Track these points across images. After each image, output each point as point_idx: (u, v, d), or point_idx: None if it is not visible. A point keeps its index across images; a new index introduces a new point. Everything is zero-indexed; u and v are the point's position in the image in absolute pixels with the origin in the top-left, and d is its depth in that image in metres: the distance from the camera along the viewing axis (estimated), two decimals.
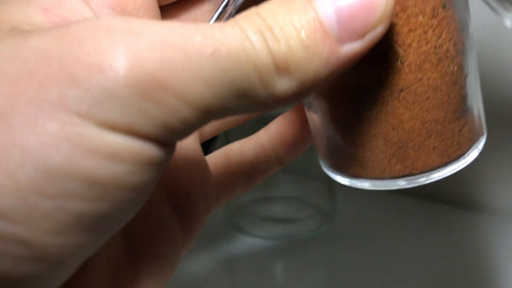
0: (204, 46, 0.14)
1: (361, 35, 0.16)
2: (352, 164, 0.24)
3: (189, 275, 0.42)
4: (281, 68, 0.15)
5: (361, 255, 0.45)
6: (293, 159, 0.28)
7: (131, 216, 0.16)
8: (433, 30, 0.21)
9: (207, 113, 0.15)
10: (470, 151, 0.24)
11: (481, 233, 0.48)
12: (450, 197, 0.56)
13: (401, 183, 0.23)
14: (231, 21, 0.15)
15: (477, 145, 0.24)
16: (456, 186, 0.55)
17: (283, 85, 0.16)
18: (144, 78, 0.14)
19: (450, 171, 0.23)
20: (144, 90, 0.14)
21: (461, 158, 0.23)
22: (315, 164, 0.54)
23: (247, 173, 0.26)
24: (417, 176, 0.23)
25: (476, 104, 0.24)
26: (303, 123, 0.27)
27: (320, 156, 0.26)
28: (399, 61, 0.21)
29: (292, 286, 0.41)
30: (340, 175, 0.25)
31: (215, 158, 0.26)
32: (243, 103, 0.16)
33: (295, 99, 0.16)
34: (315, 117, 0.24)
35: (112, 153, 0.14)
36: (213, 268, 0.43)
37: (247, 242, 0.47)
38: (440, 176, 0.23)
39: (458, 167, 0.23)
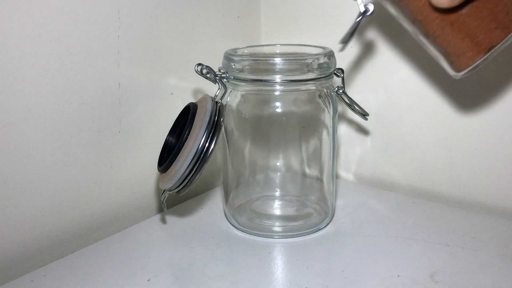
0: None
1: None
2: (492, 31, 0.36)
3: (189, 273, 0.43)
4: None
5: (360, 254, 0.45)
6: None
7: None
8: None
9: None
10: None
11: (480, 232, 0.48)
12: (450, 196, 0.56)
13: None
14: None
15: None
16: (457, 186, 0.56)
17: None
18: None
19: None
20: None
21: None
22: (315, 164, 0.54)
23: None
24: None
25: None
26: None
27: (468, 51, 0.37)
28: None
29: (292, 284, 0.41)
30: (484, 51, 0.37)
31: None
32: None
33: None
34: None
35: None
36: (213, 266, 0.43)
37: (247, 240, 0.48)
38: None
39: None
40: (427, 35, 0.38)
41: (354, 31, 0.39)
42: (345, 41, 0.39)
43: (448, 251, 0.45)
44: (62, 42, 0.44)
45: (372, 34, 0.56)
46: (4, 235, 0.43)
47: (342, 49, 0.40)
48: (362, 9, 0.37)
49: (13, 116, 0.42)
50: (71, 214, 0.48)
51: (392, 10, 0.39)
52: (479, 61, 0.37)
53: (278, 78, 0.45)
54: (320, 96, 0.48)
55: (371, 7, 0.38)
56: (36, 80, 0.43)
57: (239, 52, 0.50)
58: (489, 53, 0.36)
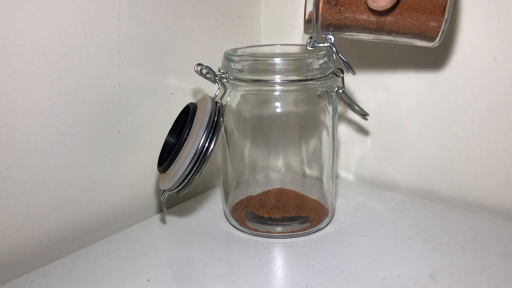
0: None
1: None
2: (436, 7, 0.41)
3: (189, 273, 0.43)
4: None
5: (360, 254, 0.45)
6: None
7: None
8: None
9: None
10: None
11: (480, 232, 0.48)
12: (450, 196, 0.56)
13: None
14: None
15: None
16: (457, 186, 0.56)
17: None
18: None
19: None
20: None
21: None
22: (315, 164, 0.54)
23: None
24: None
25: None
26: None
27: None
28: None
29: (292, 284, 0.41)
30: (441, 14, 0.41)
31: None
32: None
33: None
34: None
35: None
36: (213, 266, 0.43)
37: (247, 240, 0.48)
38: None
39: None
40: (388, 33, 0.42)
41: (343, 60, 0.44)
42: (350, 68, 0.45)
43: (448, 251, 0.45)
44: (62, 42, 0.44)
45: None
46: (4, 235, 0.43)
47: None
48: (327, 43, 0.43)
49: (13, 116, 0.42)
50: (71, 214, 0.48)
51: (347, 35, 0.43)
52: (443, 24, 0.41)
53: (278, 78, 0.45)
54: (320, 96, 0.48)
55: (331, 37, 0.43)
56: (36, 80, 0.43)
57: (239, 52, 0.50)
58: (446, 13, 0.41)
